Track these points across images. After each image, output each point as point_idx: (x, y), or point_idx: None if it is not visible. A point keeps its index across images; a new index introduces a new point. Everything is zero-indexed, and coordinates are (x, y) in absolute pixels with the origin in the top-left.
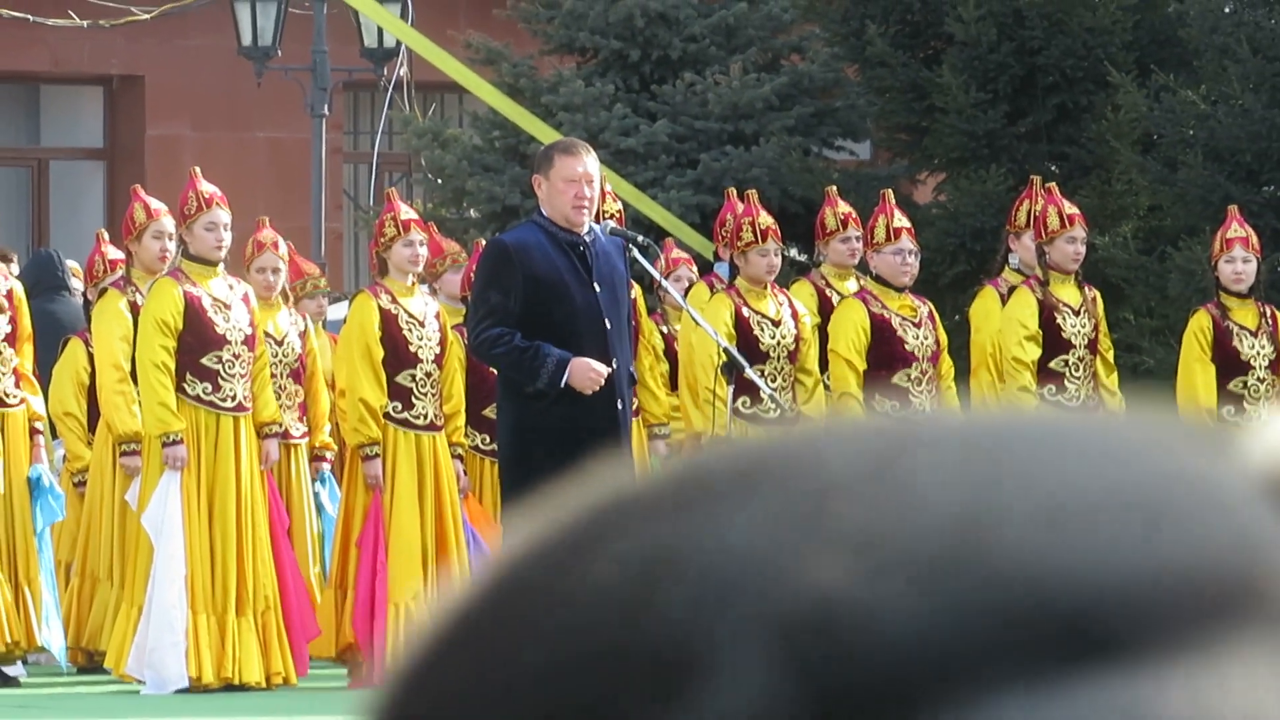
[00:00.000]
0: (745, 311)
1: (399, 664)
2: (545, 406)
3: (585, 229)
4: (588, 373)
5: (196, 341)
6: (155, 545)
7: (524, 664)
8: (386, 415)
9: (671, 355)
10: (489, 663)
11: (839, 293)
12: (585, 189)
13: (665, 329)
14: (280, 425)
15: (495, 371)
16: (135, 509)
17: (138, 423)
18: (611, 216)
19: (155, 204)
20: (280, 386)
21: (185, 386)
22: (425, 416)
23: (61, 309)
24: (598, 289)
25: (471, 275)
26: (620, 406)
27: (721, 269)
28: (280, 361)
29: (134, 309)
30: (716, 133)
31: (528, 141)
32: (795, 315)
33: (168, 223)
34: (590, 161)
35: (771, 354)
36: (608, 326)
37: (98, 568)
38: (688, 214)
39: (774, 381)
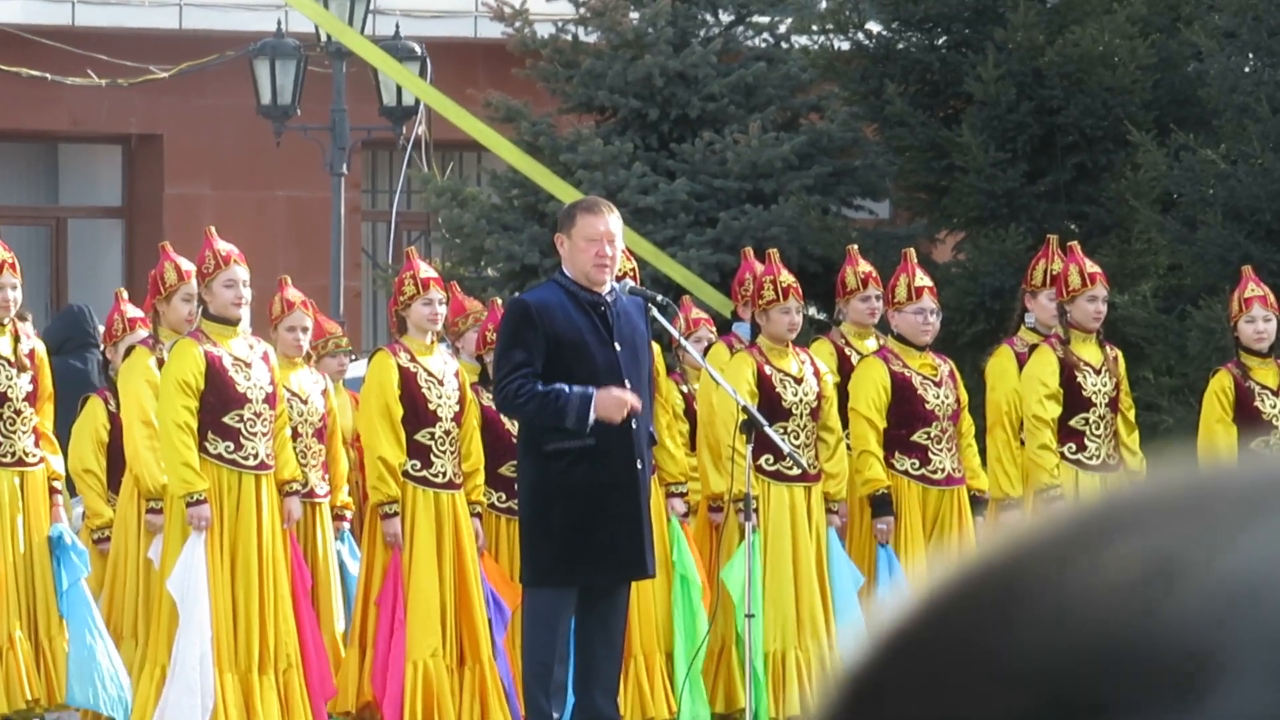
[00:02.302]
0: (767, 369)
1: (886, 646)
2: (565, 465)
3: (607, 288)
4: (613, 400)
5: (218, 401)
6: (180, 611)
7: (1025, 654)
8: (405, 473)
9: (690, 415)
10: (986, 649)
11: (858, 351)
12: (607, 248)
13: (684, 388)
14: (302, 483)
15: (512, 429)
16: (158, 567)
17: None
18: (626, 275)
19: (186, 265)
20: (306, 446)
21: (207, 445)
22: (444, 475)
23: (90, 366)
24: (618, 348)
25: (487, 335)
26: (640, 465)
27: (741, 328)
28: (305, 420)
29: (161, 366)
30: (735, 191)
31: (546, 200)
32: (817, 373)
33: (197, 285)
34: (613, 220)
35: (794, 411)
36: (628, 386)
37: (121, 625)
38: (707, 272)
39: (796, 439)
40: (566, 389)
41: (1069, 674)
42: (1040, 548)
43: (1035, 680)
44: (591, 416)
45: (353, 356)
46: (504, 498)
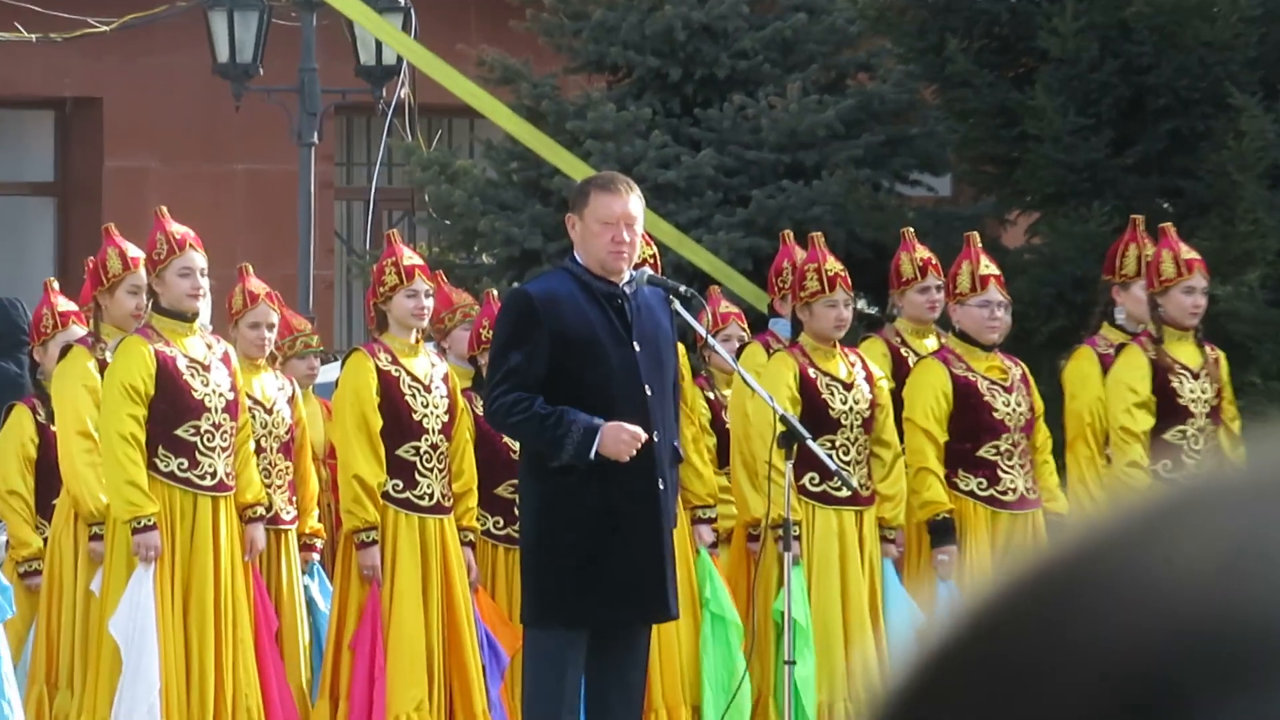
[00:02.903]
0: (811, 373)
1: (956, 631)
2: (574, 485)
3: (625, 278)
4: (621, 437)
5: (170, 409)
6: (124, 657)
7: (1100, 643)
8: (385, 495)
9: (718, 426)
10: (1060, 633)
11: (915, 352)
12: (624, 232)
13: (711, 394)
14: (267, 508)
15: (511, 444)
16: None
17: None
18: (645, 262)
19: (133, 251)
20: (270, 463)
21: (157, 462)
22: (431, 496)
23: (25, 369)
24: (637, 348)
25: (481, 332)
26: (661, 486)
27: (779, 326)
28: (269, 433)
29: (104, 369)
30: (771, 165)
31: (550, 174)
32: (870, 378)
33: (146, 275)
34: (633, 201)
35: (843, 422)
36: (648, 392)
37: (58, 674)
38: (738, 259)
39: (845, 455)
40: (570, 415)
41: (1146, 662)
42: (1113, 536)
43: (1112, 670)
44: (593, 452)
45: (324, 358)
46: (501, 523)
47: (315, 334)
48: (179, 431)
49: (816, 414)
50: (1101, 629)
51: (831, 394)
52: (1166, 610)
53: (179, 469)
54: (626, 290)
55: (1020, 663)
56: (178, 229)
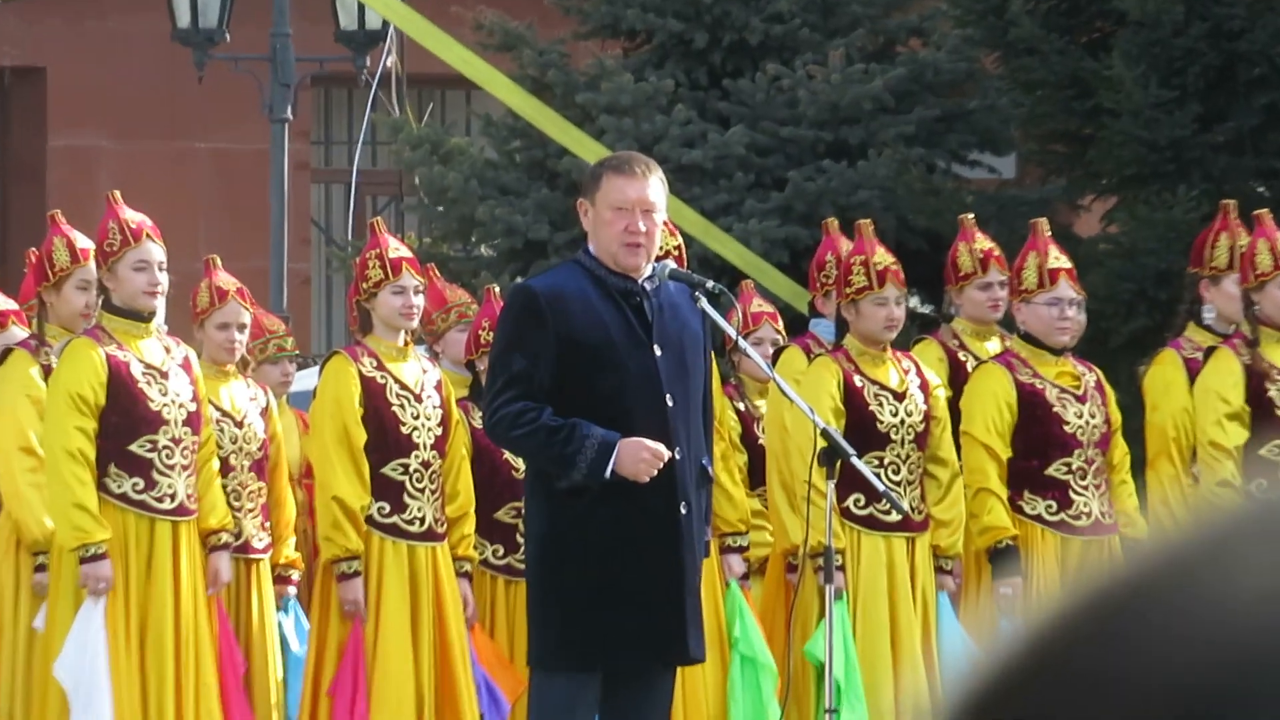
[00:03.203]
0: (857, 380)
1: (1025, 642)
2: (586, 509)
3: (645, 273)
4: (640, 454)
5: (124, 422)
6: (71, 702)
7: (1160, 668)
8: (369, 520)
9: (750, 441)
10: (1127, 645)
11: (975, 356)
12: (640, 220)
13: (741, 405)
14: (234, 533)
15: (515, 461)
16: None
17: None
18: (668, 254)
19: (83, 241)
20: (240, 483)
21: (109, 482)
22: (422, 521)
23: None
24: (658, 352)
25: (480, 334)
26: (685, 511)
27: (820, 327)
28: (239, 449)
29: (48, 375)
30: (810, 143)
31: (558, 155)
32: (924, 385)
33: (97, 269)
34: (652, 184)
35: (893, 436)
36: (670, 403)
37: None
38: (773, 251)
39: (895, 474)
40: (583, 429)
41: (1206, 687)
42: (1186, 553)
43: (1176, 682)
44: (609, 470)
45: (300, 363)
46: (502, 551)
47: (289, 336)
48: (133, 447)
49: (863, 427)
50: (1161, 659)
51: (880, 405)
52: (1226, 638)
53: (133, 490)
54: (647, 286)
55: (1087, 672)
56: (133, 216)
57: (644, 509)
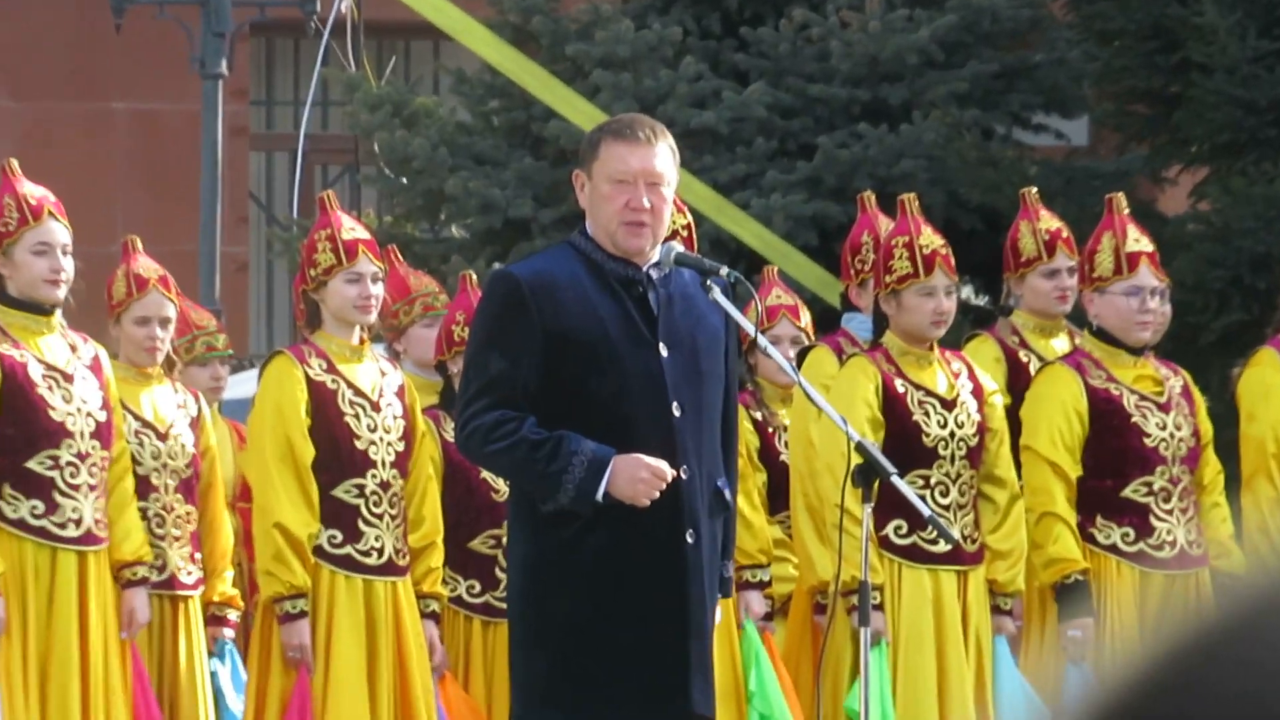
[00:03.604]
0: (899, 385)
1: (1089, 711)
2: (575, 538)
3: (651, 259)
4: (638, 474)
5: (21, 434)
6: None
7: (1257, 698)
8: (318, 551)
9: (769, 458)
10: (1214, 707)
11: (1039, 356)
12: (645, 195)
13: (758, 414)
14: (155, 566)
15: (494, 482)
16: None
17: None
18: (675, 235)
19: None
20: (164, 506)
21: (3, 506)
22: (380, 552)
23: None
24: (664, 352)
25: (454, 330)
26: (692, 540)
27: (855, 322)
28: (164, 466)
29: None
30: (844, 103)
31: (544, 117)
32: (978, 391)
33: None
34: (659, 152)
35: (941, 452)
36: (677, 413)
37: None
38: (799, 231)
39: (944, 496)
40: (572, 443)
41: None
42: (1271, 603)
43: None
44: (600, 491)
45: (235, 365)
46: (478, 588)
47: (222, 332)
48: (32, 464)
49: (905, 441)
50: (1262, 698)
51: (926, 414)
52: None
53: (32, 514)
54: (653, 274)
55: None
56: (33, 190)
57: (643, 537)
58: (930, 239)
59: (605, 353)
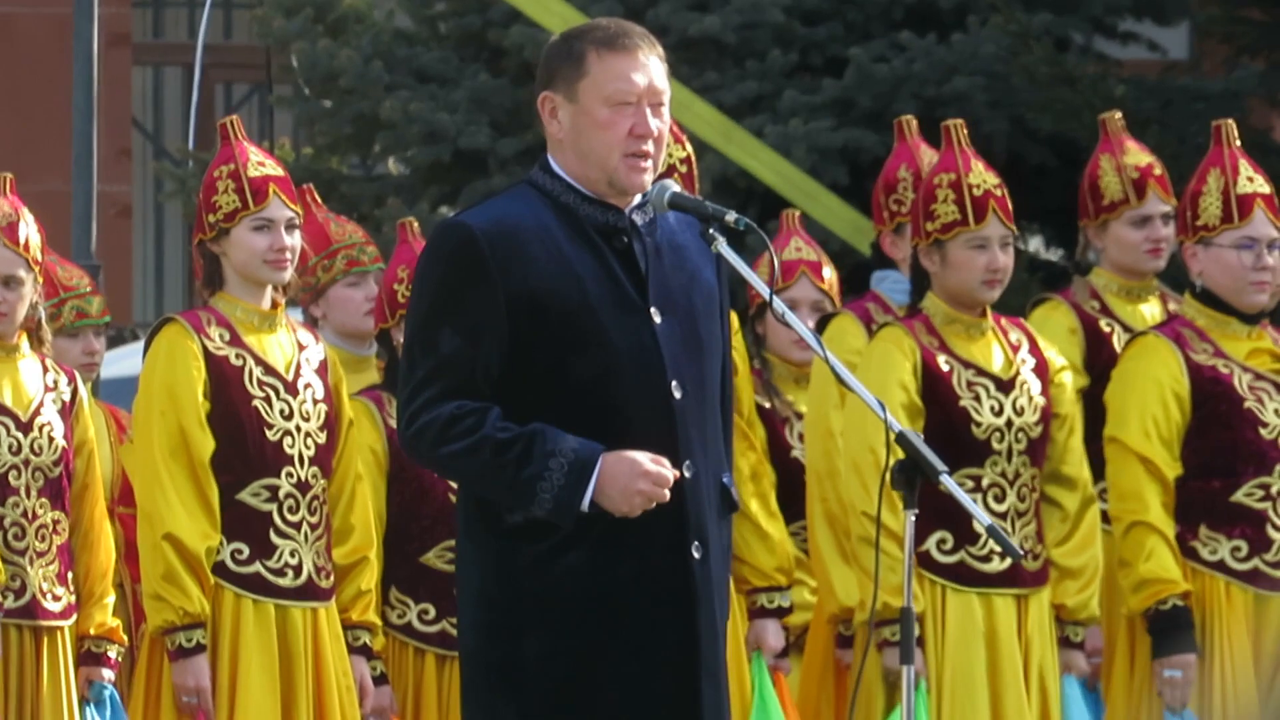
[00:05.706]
0: (943, 362)
1: None
2: (551, 550)
3: (638, 199)
4: (634, 483)
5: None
6: None
7: None
8: (219, 569)
9: (779, 453)
10: None
11: (1125, 325)
12: (649, 120)
13: (765, 400)
14: (12, 589)
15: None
16: None
17: None
18: (671, 171)
19: None
20: (26, 513)
21: None
22: (298, 571)
23: None
24: (658, 319)
25: (397, 290)
26: (699, 554)
27: (888, 282)
28: (25, 463)
29: None
30: (882, 6)
31: (503, 22)
32: (1043, 369)
33: None
34: (655, 67)
35: (995, 445)
36: (677, 394)
37: None
38: (824, 166)
39: (1001, 501)
40: (547, 440)
41: None
42: None
43: None
44: (585, 500)
45: (114, 335)
46: (432, 613)
47: (96, 294)
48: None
49: (951, 432)
50: None
51: (977, 399)
52: None
53: None
54: (637, 219)
55: None
56: None
57: (638, 553)
58: (983, 177)
59: (587, 322)
